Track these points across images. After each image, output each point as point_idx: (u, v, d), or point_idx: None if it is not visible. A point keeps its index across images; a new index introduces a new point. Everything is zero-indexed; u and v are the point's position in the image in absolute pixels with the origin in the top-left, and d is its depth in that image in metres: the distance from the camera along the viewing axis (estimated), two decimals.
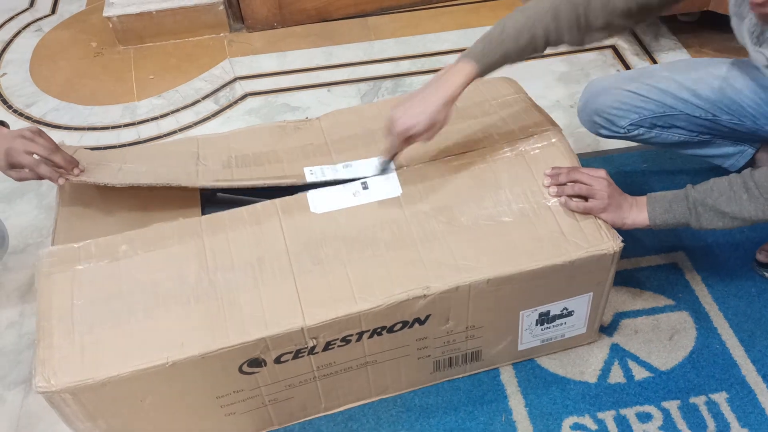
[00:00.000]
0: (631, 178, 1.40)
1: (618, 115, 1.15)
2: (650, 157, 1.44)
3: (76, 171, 0.97)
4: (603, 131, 1.20)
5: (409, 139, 0.94)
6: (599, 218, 0.96)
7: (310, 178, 1.03)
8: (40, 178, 0.95)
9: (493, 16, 1.93)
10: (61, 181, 0.96)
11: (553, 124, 1.09)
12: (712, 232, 1.29)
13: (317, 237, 0.94)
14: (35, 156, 0.93)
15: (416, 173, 1.01)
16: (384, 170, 1.03)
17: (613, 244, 0.94)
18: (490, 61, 0.94)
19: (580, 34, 0.95)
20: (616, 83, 1.16)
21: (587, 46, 1.00)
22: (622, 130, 1.17)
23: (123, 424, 0.91)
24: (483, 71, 0.95)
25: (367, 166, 1.05)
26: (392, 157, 1.00)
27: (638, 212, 0.97)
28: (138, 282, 0.91)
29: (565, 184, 0.98)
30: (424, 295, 0.89)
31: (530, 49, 0.95)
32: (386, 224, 0.96)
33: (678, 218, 0.96)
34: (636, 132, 1.17)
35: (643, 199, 0.98)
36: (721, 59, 1.14)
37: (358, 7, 1.95)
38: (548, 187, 0.99)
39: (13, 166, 0.94)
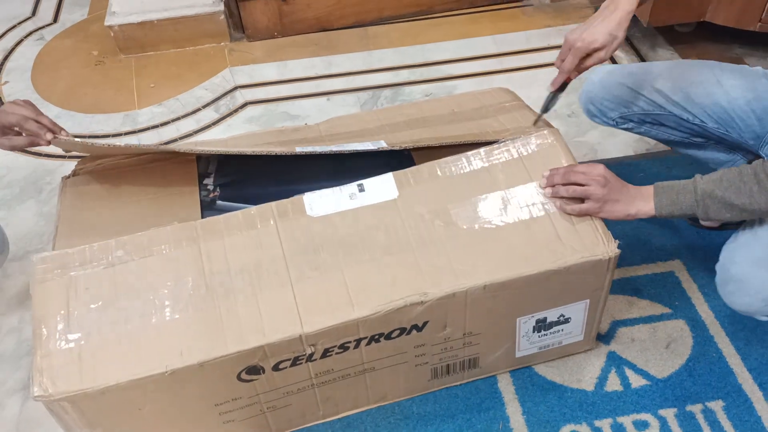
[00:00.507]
0: None
1: (609, 107, 1.17)
2: (647, 166, 1.45)
3: (63, 133, 1.00)
4: (596, 119, 1.22)
5: (585, 59, 0.96)
6: (598, 218, 0.96)
7: (300, 151, 1.04)
8: (31, 144, 0.98)
9: (492, 27, 1.95)
10: (48, 135, 0.97)
11: (550, 126, 1.10)
12: (709, 239, 1.30)
13: (314, 241, 0.94)
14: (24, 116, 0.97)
15: (413, 175, 1.01)
16: (550, 105, 1.05)
17: (608, 249, 0.94)
18: None
19: None
20: (614, 75, 1.17)
21: None
22: (612, 122, 1.19)
23: (122, 431, 0.91)
24: None
25: (360, 145, 1.05)
26: (561, 88, 1.02)
27: (644, 202, 0.96)
28: (134, 288, 0.90)
29: (561, 185, 0.98)
30: (422, 302, 0.90)
31: None
32: (383, 227, 0.96)
33: (684, 210, 0.94)
34: (626, 125, 1.19)
35: (649, 189, 0.96)
36: (728, 65, 1.14)
37: (358, 16, 1.96)
38: (545, 188, 0.99)
39: (2, 131, 0.98)
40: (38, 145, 0.99)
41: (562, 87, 1.02)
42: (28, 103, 0.99)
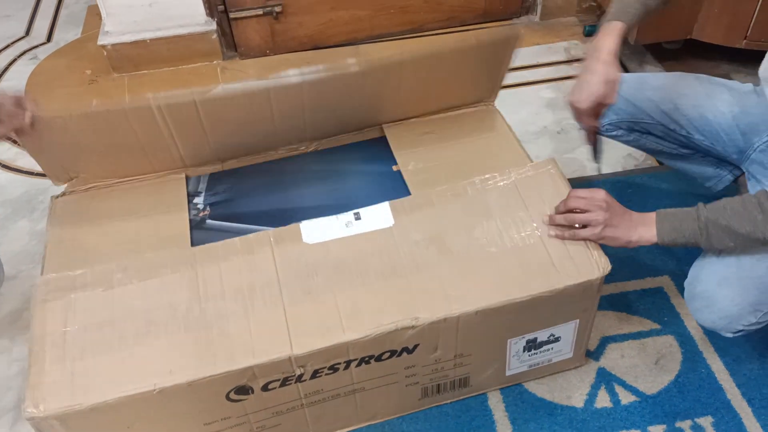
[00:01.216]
0: None
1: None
2: (635, 183, 1.46)
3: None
4: None
5: (596, 109, 1.00)
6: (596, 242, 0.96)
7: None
8: (15, 128, 0.95)
9: None
10: (30, 110, 0.95)
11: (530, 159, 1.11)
12: (697, 256, 1.30)
13: (309, 266, 0.95)
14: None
15: (408, 203, 1.02)
16: (597, 152, 1.14)
17: (598, 271, 0.94)
18: (632, 13, 1.00)
19: None
20: None
21: None
22: (602, 128, 1.19)
23: None
24: (630, 24, 1.00)
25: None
26: (594, 138, 1.11)
27: (646, 229, 0.95)
28: (130, 309, 0.91)
29: (561, 214, 0.98)
30: (413, 326, 0.90)
31: None
32: (377, 253, 0.96)
33: (687, 237, 0.93)
34: (615, 132, 1.20)
35: (651, 216, 0.95)
36: (720, 79, 1.15)
37: (349, 35, 1.98)
38: (550, 215, 0.99)
39: None
40: (21, 129, 0.95)
41: (594, 137, 1.11)
42: (15, 96, 0.96)
